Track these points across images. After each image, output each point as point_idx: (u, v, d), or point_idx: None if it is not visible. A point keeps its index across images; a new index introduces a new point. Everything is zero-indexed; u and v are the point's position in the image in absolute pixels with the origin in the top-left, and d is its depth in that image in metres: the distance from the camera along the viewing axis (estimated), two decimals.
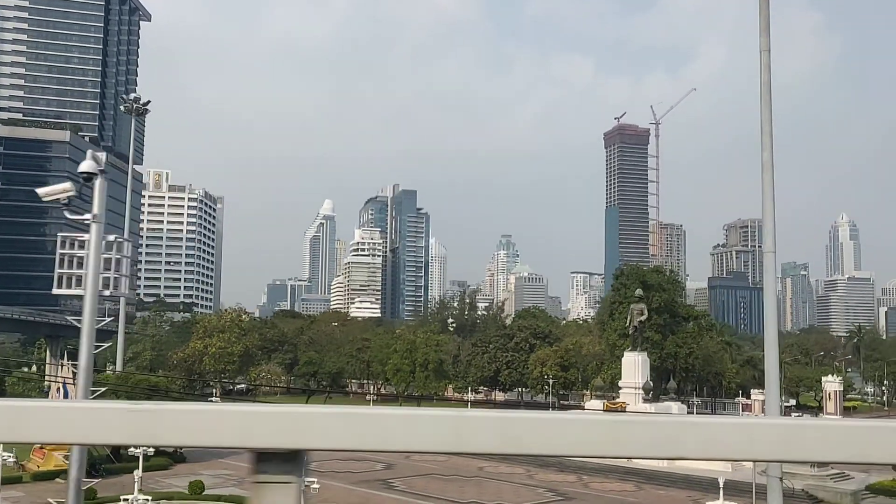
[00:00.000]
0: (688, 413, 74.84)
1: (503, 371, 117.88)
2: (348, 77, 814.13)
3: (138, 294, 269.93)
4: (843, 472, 57.37)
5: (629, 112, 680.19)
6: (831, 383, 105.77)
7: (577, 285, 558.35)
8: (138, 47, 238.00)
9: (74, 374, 72.92)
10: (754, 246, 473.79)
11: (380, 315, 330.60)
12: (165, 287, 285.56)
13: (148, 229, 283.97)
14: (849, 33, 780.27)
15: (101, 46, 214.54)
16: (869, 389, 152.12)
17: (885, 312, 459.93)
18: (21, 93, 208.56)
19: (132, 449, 53.68)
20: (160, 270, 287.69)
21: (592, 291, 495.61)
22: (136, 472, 47.74)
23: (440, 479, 62.15)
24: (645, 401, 66.94)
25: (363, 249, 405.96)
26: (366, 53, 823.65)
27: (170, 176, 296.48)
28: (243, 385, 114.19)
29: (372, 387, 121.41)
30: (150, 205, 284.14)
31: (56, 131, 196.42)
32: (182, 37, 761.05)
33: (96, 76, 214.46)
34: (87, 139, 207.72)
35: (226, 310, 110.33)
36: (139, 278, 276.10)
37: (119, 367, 68.50)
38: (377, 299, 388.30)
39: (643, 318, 71.92)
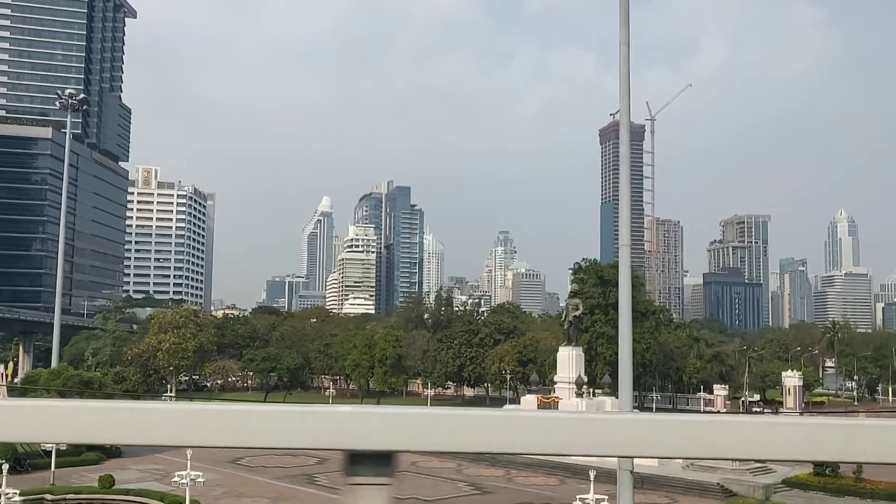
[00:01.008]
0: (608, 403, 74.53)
1: (467, 366, 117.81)
2: (348, 73, 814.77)
3: (126, 291, 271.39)
4: (765, 466, 57.17)
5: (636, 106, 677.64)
6: (790, 378, 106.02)
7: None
8: (123, 44, 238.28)
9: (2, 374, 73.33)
10: (751, 242, 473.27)
11: (373, 311, 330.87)
12: (155, 284, 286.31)
13: (137, 226, 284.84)
14: (850, 29, 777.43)
15: (84, 43, 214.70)
16: (850, 384, 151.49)
17: (882, 308, 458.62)
18: (4, 90, 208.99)
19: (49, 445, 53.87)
20: (149, 267, 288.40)
21: None
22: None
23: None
24: (577, 395, 66.87)
25: (357, 246, 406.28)
26: (365, 49, 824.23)
27: (159, 172, 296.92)
28: (208, 383, 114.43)
29: (331, 382, 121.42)
30: (139, 201, 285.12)
31: (38, 128, 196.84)
32: (182, 33, 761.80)
33: (80, 73, 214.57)
34: (70, 136, 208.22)
35: (184, 307, 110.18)
36: (128, 275, 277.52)
37: (54, 362, 68.33)
38: (371, 296, 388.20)
39: (578, 312, 71.73)
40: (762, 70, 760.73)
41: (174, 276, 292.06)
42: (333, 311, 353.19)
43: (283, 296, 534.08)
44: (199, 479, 40.27)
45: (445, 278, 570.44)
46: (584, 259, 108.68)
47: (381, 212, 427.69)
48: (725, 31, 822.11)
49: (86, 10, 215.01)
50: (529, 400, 70.29)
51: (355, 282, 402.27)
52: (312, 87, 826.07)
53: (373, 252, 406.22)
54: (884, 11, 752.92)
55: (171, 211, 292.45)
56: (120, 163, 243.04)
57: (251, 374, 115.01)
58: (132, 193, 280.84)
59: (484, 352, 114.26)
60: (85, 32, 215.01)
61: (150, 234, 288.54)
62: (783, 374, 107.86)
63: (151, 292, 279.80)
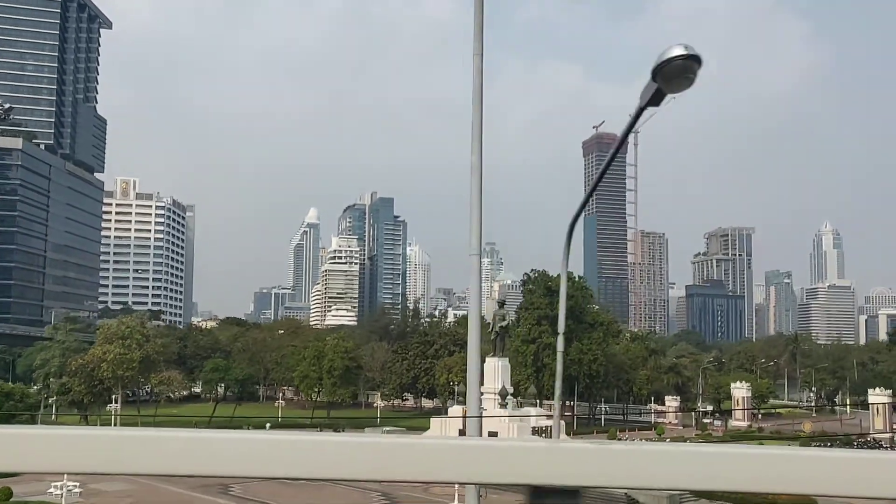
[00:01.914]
0: (537, 415, 74.52)
1: (421, 378, 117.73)
2: (337, 85, 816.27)
3: (105, 302, 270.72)
4: None
5: (617, 119, 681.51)
6: (739, 389, 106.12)
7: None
8: (98, 55, 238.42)
9: None
10: (735, 254, 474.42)
11: (355, 323, 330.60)
12: (133, 295, 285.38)
13: (116, 237, 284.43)
14: (836, 42, 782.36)
15: (56, 54, 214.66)
16: (809, 395, 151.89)
17: (865, 321, 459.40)
18: None
19: None
20: (128, 278, 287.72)
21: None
22: None
23: (283, 484, 61.92)
24: (501, 405, 66.82)
25: (340, 257, 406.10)
26: (355, 61, 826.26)
27: (138, 184, 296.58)
28: (169, 391, 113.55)
29: (281, 394, 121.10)
30: (117, 213, 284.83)
31: (8, 138, 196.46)
32: (171, 46, 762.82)
33: (52, 83, 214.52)
34: (42, 147, 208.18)
35: (130, 316, 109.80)
36: (105, 286, 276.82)
37: None
38: (354, 307, 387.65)
39: (504, 323, 71.79)
40: (749, 83, 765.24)
41: (152, 287, 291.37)
42: (316, 322, 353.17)
43: (270, 307, 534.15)
44: (76, 490, 40.04)
45: (433, 290, 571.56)
46: (532, 270, 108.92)
47: (364, 223, 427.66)
48: (713, 43, 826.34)
49: (59, 21, 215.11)
50: (455, 410, 70.22)
51: (338, 293, 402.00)
52: (302, 99, 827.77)
53: (356, 263, 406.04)
54: (869, 25, 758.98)
55: (150, 222, 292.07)
56: (95, 174, 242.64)
57: (197, 385, 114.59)
58: (110, 205, 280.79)
59: (437, 363, 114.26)
60: (58, 43, 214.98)
61: (129, 246, 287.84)
62: (732, 385, 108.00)
63: (130, 303, 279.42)
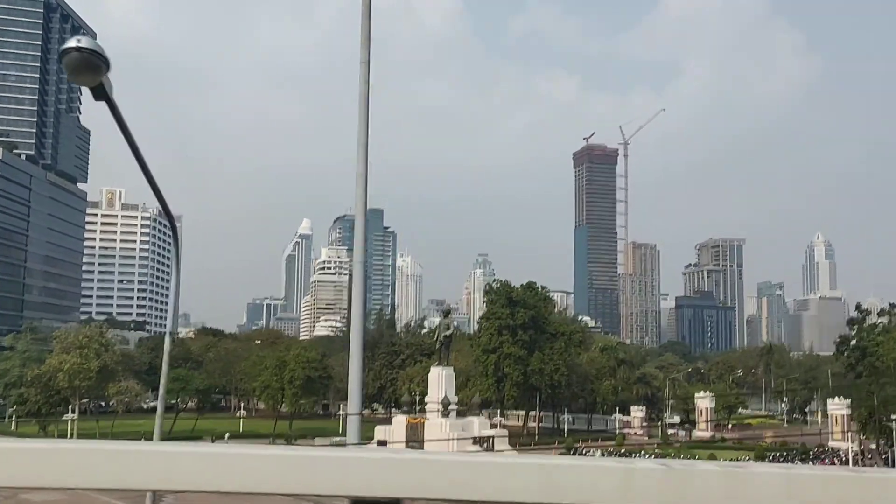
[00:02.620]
0: (492, 426, 74.13)
1: (388, 388, 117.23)
2: (332, 94, 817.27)
3: (88, 313, 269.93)
4: None
5: (608, 130, 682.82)
6: (702, 399, 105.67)
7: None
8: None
9: None
10: (725, 265, 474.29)
11: (343, 334, 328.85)
12: (118, 306, 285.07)
13: (101, 248, 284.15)
14: (830, 54, 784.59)
15: (38, 65, 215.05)
16: (782, 406, 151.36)
17: None
18: None
19: None
20: (112, 289, 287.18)
21: (569, 311, 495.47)
22: None
23: (220, 493, 61.36)
24: (443, 415, 66.34)
25: (329, 268, 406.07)
26: (350, 69, 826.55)
27: (124, 194, 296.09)
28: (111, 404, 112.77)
29: (242, 404, 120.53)
30: (103, 223, 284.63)
31: None
32: (164, 54, 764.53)
33: (34, 94, 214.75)
34: (23, 157, 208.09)
35: (88, 325, 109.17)
36: (90, 297, 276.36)
37: None
38: (342, 318, 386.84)
39: (448, 332, 71.39)
40: (741, 94, 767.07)
41: (137, 297, 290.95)
42: (305, 333, 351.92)
43: (262, 318, 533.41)
44: None
45: (425, 300, 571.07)
46: (494, 280, 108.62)
47: (354, 234, 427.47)
48: (706, 55, 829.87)
49: (41, 32, 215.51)
50: (399, 421, 69.72)
51: (327, 304, 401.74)
52: (297, 108, 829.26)
53: (345, 274, 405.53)
54: (862, 37, 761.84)
55: (136, 233, 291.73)
56: (79, 184, 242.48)
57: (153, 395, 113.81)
58: (95, 215, 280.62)
59: (402, 373, 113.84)
60: (40, 54, 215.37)
61: (114, 256, 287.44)
62: (696, 395, 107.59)
63: (115, 314, 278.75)
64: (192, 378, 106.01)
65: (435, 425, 66.14)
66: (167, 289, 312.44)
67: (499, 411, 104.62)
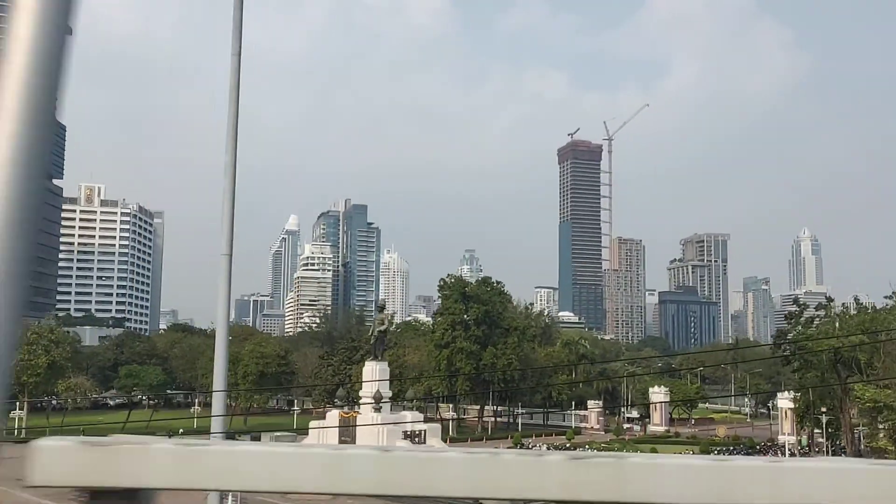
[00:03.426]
0: (426, 420, 73.89)
1: (346, 384, 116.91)
2: (321, 91, 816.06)
3: (67, 310, 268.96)
4: None
5: (597, 127, 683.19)
6: (657, 394, 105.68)
7: (541, 300, 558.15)
8: None
9: None
10: (710, 260, 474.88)
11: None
12: (97, 303, 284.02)
13: (79, 244, 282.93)
14: (817, 51, 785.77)
15: None
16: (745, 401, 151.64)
17: None
18: None
19: None
20: (91, 286, 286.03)
21: (554, 306, 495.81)
22: None
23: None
24: (375, 410, 66.16)
25: (313, 264, 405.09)
26: (339, 67, 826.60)
27: (103, 190, 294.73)
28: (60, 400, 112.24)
29: (195, 399, 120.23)
30: (81, 219, 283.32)
31: None
32: (153, 51, 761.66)
33: None
34: None
35: (38, 321, 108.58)
36: (69, 294, 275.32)
37: None
38: (322, 314, 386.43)
39: (383, 327, 71.25)
40: (728, 90, 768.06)
41: (117, 294, 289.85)
42: (290, 329, 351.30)
43: (249, 315, 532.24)
44: None
45: (412, 297, 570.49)
46: (448, 275, 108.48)
47: (338, 230, 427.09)
48: (694, 51, 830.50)
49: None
50: (333, 415, 69.54)
51: (311, 301, 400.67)
52: (285, 105, 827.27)
53: (328, 270, 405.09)
54: (849, 34, 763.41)
55: (115, 229, 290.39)
56: (55, 180, 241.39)
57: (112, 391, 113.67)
58: (74, 211, 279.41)
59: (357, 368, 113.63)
60: None
61: (93, 253, 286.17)
62: (650, 389, 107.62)
63: (93, 311, 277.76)
64: (146, 374, 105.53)
65: (366, 419, 65.99)
66: (148, 285, 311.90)
67: (450, 406, 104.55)
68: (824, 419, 66.63)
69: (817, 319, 76.87)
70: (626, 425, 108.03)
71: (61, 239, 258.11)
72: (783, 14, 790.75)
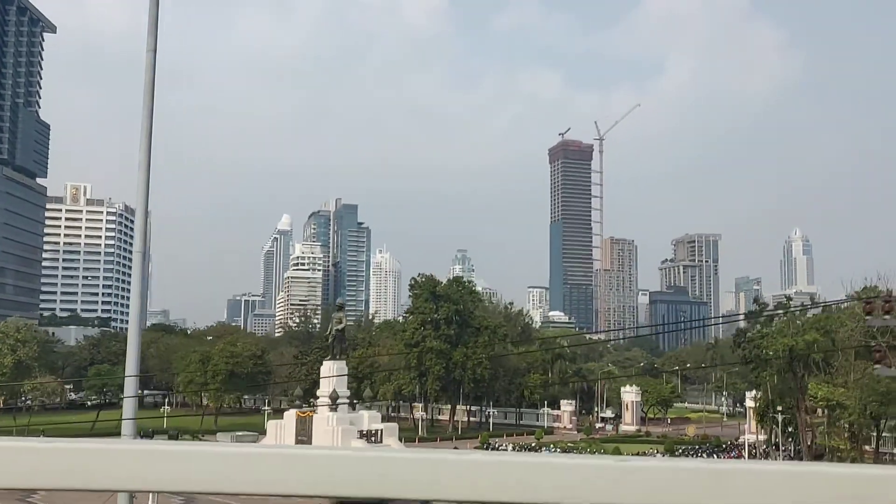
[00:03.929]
0: (382, 419, 73.45)
1: (304, 384, 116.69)
2: (315, 91, 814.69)
3: (53, 310, 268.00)
4: None
5: (591, 127, 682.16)
6: (628, 394, 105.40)
7: (532, 300, 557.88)
8: (41, 59, 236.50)
9: None
10: (701, 261, 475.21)
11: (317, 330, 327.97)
12: (82, 302, 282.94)
13: (65, 244, 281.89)
14: (811, 51, 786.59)
15: None
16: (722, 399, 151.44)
17: None
18: None
19: None
20: (77, 285, 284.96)
21: (546, 306, 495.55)
22: None
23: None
24: (331, 409, 65.70)
25: (303, 264, 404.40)
26: (334, 67, 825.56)
27: (89, 189, 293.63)
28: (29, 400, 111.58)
29: (164, 399, 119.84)
30: (67, 219, 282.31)
31: None
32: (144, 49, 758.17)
33: None
34: None
35: (5, 322, 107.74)
36: (53, 293, 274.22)
37: None
38: (315, 314, 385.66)
39: (340, 326, 70.85)
40: (721, 90, 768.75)
41: (102, 293, 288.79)
42: (280, 329, 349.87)
43: (240, 315, 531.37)
44: None
45: (404, 297, 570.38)
46: (420, 275, 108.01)
47: (329, 230, 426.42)
48: (687, 51, 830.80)
49: None
50: (290, 415, 69.14)
51: (301, 300, 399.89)
52: (280, 105, 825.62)
53: (319, 270, 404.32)
54: (842, 35, 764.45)
55: (101, 228, 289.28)
56: (38, 179, 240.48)
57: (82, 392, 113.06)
58: (59, 211, 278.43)
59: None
60: None
61: (78, 252, 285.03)
62: (622, 389, 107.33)
63: (79, 311, 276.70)
64: (118, 374, 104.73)
65: (322, 419, 65.62)
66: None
67: (422, 405, 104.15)
68: (780, 418, 66.43)
69: (776, 319, 76.64)
70: (598, 425, 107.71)
71: (46, 238, 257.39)
72: (778, 14, 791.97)
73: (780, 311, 75.06)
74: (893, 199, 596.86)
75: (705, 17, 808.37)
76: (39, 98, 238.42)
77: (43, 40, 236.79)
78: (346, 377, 69.40)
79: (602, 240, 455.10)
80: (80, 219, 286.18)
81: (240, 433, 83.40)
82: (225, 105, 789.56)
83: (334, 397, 65.86)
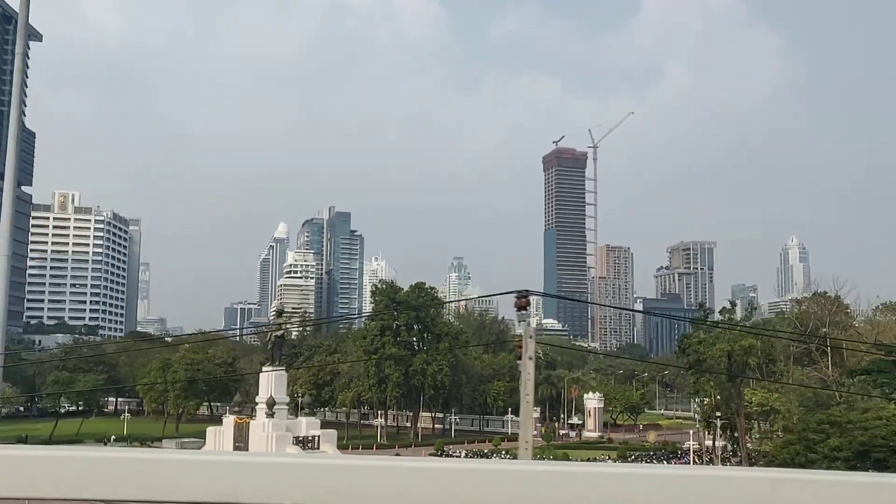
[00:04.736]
0: (322, 426, 72.74)
1: (241, 389, 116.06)
2: (311, 99, 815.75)
3: (40, 318, 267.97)
4: None
5: (580, 134, 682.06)
6: (591, 400, 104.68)
7: (529, 308, 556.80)
8: (27, 66, 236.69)
9: None
10: (696, 268, 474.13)
11: None
12: (70, 310, 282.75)
13: (53, 251, 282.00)
14: (808, 59, 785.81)
15: None
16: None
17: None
18: None
19: None
20: (64, 293, 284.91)
21: (540, 313, 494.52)
22: None
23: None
24: (268, 416, 65.07)
25: (296, 272, 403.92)
26: (330, 74, 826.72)
27: (77, 197, 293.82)
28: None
29: (125, 406, 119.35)
30: (55, 227, 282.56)
31: None
32: (144, 58, 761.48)
33: None
34: None
35: None
36: (41, 301, 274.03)
37: None
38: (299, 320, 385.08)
39: (280, 333, 70.25)
40: (719, 97, 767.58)
41: (90, 301, 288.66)
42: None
43: (236, 323, 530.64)
44: None
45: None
46: (380, 281, 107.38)
47: (322, 237, 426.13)
48: (684, 59, 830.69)
49: None
50: (228, 421, 68.48)
51: (293, 308, 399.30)
52: (276, 113, 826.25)
53: (311, 278, 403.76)
54: (840, 42, 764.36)
55: (89, 236, 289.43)
56: (23, 187, 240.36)
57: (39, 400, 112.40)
58: (47, 219, 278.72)
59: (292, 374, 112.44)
60: None
61: (66, 260, 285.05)
62: (585, 396, 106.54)
63: (66, 318, 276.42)
64: (75, 381, 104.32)
65: (258, 425, 65.01)
66: (123, 292, 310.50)
67: (379, 412, 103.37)
68: (719, 423, 65.68)
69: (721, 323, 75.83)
70: (562, 431, 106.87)
71: (34, 246, 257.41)
72: (775, 21, 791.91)
73: (723, 321, 74.34)
74: (892, 207, 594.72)
75: (702, 24, 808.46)
76: (25, 105, 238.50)
77: (28, 48, 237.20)
78: (284, 383, 68.65)
79: (596, 247, 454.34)
80: (68, 227, 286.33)
81: (185, 440, 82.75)
82: (219, 112, 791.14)
83: (271, 403, 65.21)
